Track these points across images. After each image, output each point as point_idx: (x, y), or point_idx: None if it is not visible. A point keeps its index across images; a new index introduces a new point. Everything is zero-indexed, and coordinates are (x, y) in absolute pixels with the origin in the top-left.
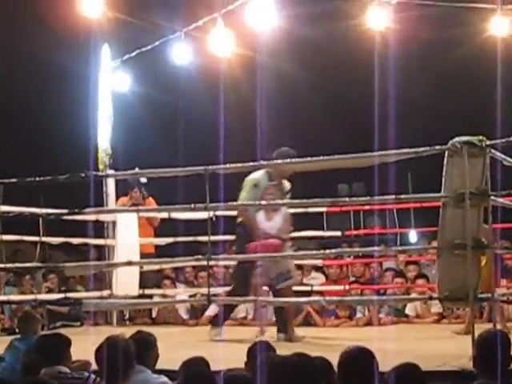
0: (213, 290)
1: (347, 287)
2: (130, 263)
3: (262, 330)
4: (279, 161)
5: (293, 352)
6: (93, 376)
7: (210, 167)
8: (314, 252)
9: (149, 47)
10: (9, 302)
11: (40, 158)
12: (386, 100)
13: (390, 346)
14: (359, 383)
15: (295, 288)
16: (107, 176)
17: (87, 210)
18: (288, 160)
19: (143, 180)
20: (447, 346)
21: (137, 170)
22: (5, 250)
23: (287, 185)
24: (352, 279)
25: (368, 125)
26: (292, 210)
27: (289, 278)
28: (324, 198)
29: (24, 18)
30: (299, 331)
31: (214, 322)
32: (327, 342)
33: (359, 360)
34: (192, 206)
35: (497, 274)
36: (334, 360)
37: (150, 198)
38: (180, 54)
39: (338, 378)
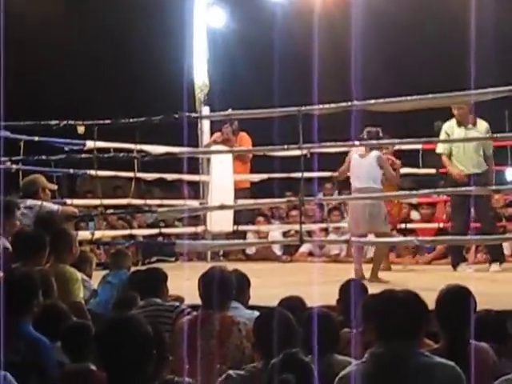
0: (306, 227)
1: (441, 225)
2: (222, 207)
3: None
4: (372, 101)
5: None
6: (183, 306)
7: (303, 108)
8: (408, 192)
9: None
10: (101, 243)
11: (137, 95)
12: (483, 37)
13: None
14: (456, 322)
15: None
16: (200, 117)
17: (181, 150)
18: (382, 100)
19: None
20: None
21: (230, 111)
22: (104, 186)
23: (484, 124)
24: None
25: (465, 62)
26: None
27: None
28: (420, 133)
29: None
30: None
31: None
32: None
33: (457, 299)
34: (285, 146)
35: None
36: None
37: (243, 134)
38: None
39: (434, 316)
